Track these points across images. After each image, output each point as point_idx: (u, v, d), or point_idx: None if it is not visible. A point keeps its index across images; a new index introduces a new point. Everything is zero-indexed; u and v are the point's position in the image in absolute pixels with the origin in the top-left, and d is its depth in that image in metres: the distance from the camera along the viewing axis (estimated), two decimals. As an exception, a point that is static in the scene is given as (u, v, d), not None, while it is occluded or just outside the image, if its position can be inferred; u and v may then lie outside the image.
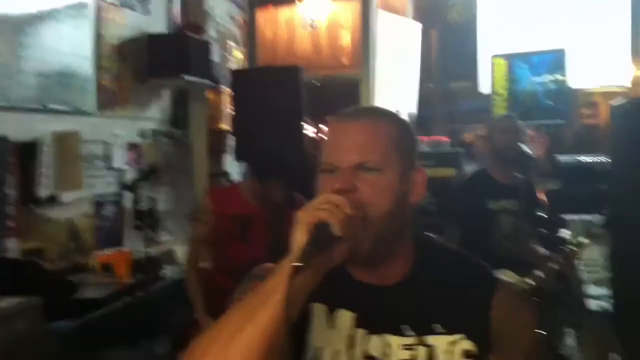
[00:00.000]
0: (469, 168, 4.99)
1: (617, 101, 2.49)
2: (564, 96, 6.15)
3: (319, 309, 1.21)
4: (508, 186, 3.51)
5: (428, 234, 1.34)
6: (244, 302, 1.06)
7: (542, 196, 3.46)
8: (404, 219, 1.21)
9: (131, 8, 4.44)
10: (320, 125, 5.53)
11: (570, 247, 3.23)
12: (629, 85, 6.37)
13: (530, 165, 3.36)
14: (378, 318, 1.20)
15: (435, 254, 1.28)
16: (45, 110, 3.57)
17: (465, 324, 1.20)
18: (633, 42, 6.14)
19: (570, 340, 3.94)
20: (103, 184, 4.12)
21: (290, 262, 1.03)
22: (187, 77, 4.52)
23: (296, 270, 1.02)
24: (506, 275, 3.31)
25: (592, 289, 3.12)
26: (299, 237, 1.04)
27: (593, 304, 3.17)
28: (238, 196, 3.14)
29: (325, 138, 1.25)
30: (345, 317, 1.21)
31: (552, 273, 3.20)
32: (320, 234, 1.05)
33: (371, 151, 1.17)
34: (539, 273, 3.21)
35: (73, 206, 3.82)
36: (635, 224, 2.30)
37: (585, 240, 3.19)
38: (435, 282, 1.23)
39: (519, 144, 3.46)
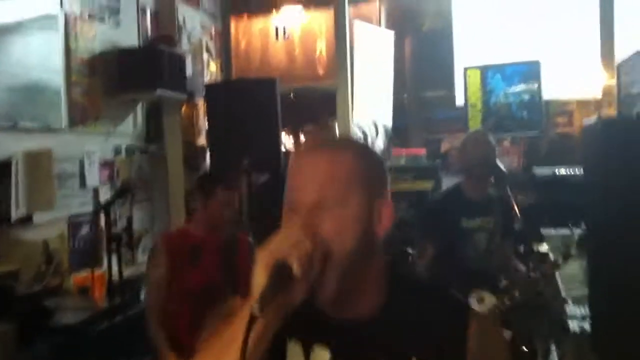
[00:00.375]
0: (447, 180, 4.98)
1: (588, 121, 2.48)
2: (538, 107, 6.15)
3: (293, 349, 1.19)
4: (482, 203, 3.46)
5: (402, 262, 1.29)
6: (206, 349, 1.08)
7: (517, 211, 3.40)
8: (371, 252, 1.19)
9: (101, 21, 4.32)
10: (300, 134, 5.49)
11: (548, 265, 3.20)
12: (600, 95, 6.45)
13: (504, 181, 3.31)
14: (354, 353, 1.17)
15: (409, 285, 1.27)
16: (15, 128, 3.44)
17: (441, 356, 1.18)
18: (602, 53, 6.20)
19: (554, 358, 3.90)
20: (77, 204, 3.99)
21: (250, 306, 1.01)
22: (160, 91, 4.41)
23: (256, 317, 1.00)
24: (484, 297, 3.27)
25: (572, 308, 3.08)
26: (258, 279, 1.03)
27: (572, 324, 3.13)
28: (187, 233, 3.22)
29: (288, 173, 1.21)
30: (322, 356, 1.19)
31: (531, 292, 3.16)
32: (279, 274, 1.03)
33: (331, 188, 1.14)
34: (517, 292, 3.18)
35: (47, 227, 3.70)
36: (609, 244, 2.28)
37: (562, 260, 3.15)
38: (410, 314, 1.20)
39: (492, 159, 3.41)
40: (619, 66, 5.75)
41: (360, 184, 1.15)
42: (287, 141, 7.23)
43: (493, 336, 1.28)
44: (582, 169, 2.52)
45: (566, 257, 3.22)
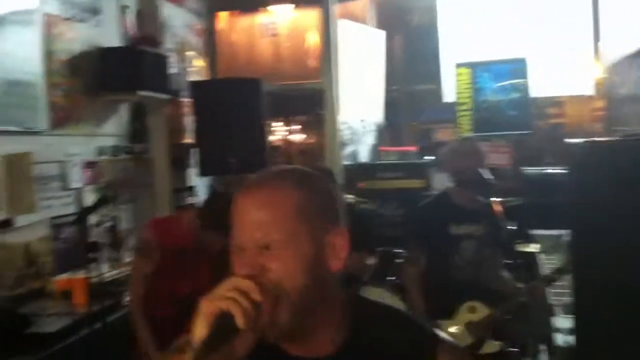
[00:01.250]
0: (438, 177, 4.96)
1: (571, 141, 2.47)
2: (527, 106, 6.14)
3: None
4: (470, 210, 3.44)
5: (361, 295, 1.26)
6: None
7: (502, 214, 3.39)
8: (325, 288, 1.14)
9: (82, 21, 4.26)
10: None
11: (539, 281, 3.19)
12: (593, 92, 6.45)
13: (491, 191, 3.30)
14: None
15: (371, 317, 1.21)
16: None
17: None
18: (595, 47, 6.21)
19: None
20: (60, 205, 3.95)
21: (189, 358, 0.98)
22: (142, 92, 4.37)
23: None
24: (475, 307, 3.26)
25: (559, 321, 3.06)
26: (198, 330, 1.00)
27: (558, 339, 3.12)
28: (181, 227, 3.08)
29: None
30: None
31: (519, 303, 3.15)
32: (221, 326, 0.99)
33: (273, 229, 1.09)
34: (505, 304, 3.17)
35: (29, 230, 3.66)
36: (595, 250, 2.26)
37: (556, 275, 3.13)
38: (373, 348, 1.16)
39: (480, 169, 3.40)
40: (610, 67, 5.74)
41: (305, 219, 1.11)
42: (279, 131, 7.23)
43: None
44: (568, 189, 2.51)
45: (560, 272, 3.21)
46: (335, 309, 1.17)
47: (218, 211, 2.85)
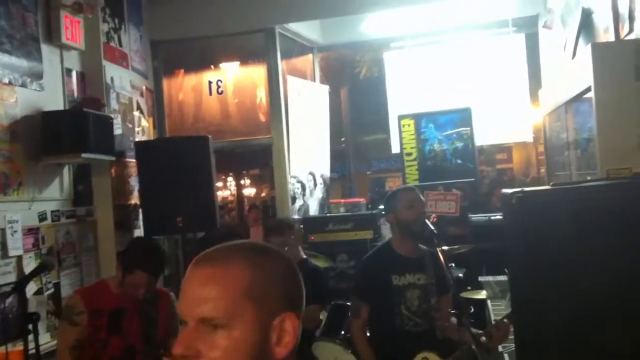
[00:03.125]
0: (387, 228, 4.98)
1: (504, 191, 2.54)
2: (472, 154, 6.28)
3: None
4: (413, 259, 3.47)
5: None
6: None
7: (447, 262, 3.41)
8: None
9: (23, 85, 4.23)
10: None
11: (497, 326, 3.19)
12: (531, 139, 6.66)
13: (434, 239, 3.34)
14: None
15: None
16: None
17: None
18: (532, 96, 6.41)
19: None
20: (-1, 274, 3.85)
21: None
22: (86, 155, 4.32)
23: None
24: (427, 357, 3.26)
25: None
26: None
27: None
28: (107, 291, 3.12)
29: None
30: None
31: (472, 353, 3.15)
32: None
33: (215, 306, 1.05)
34: (459, 354, 3.17)
35: (-34, 300, 3.55)
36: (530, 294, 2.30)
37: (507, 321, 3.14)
38: None
39: (423, 218, 3.45)
40: (547, 116, 5.92)
41: (251, 302, 1.07)
42: (230, 187, 7.22)
43: None
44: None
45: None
46: None
47: (135, 253, 3.04)
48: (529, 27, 6.49)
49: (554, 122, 5.73)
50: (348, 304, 4.30)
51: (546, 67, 6.07)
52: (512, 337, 2.76)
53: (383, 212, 5.49)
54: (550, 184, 2.96)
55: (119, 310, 3.07)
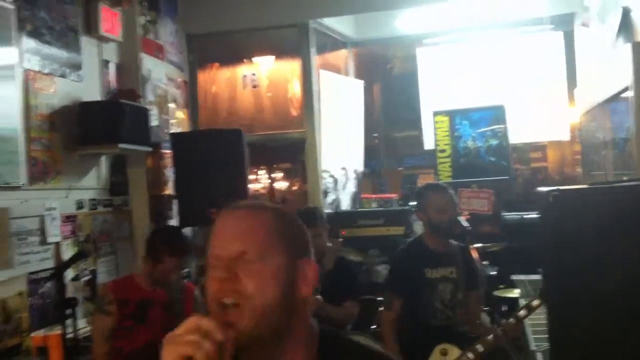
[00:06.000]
0: (418, 224, 4.98)
1: (540, 189, 2.52)
2: (506, 152, 6.23)
3: None
4: (444, 254, 3.50)
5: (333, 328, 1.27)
6: None
7: (479, 263, 3.42)
8: (293, 312, 1.18)
9: (63, 76, 4.32)
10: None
11: (513, 320, 3.19)
12: (567, 137, 6.57)
13: (465, 235, 3.36)
14: None
15: (343, 350, 1.23)
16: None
17: None
18: (569, 94, 6.34)
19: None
20: (38, 261, 3.93)
21: None
22: (122, 145, 4.40)
23: None
24: (447, 350, 3.27)
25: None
26: None
27: None
28: (135, 284, 3.26)
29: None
30: None
31: (495, 346, 3.15)
32: None
33: (250, 240, 1.15)
34: (480, 347, 3.17)
35: (5, 285, 3.64)
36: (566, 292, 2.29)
37: (524, 313, 3.14)
38: None
39: (454, 215, 3.47)
40: (583, 115, 5.85)
41: (280, 241, 1.17)
42: (261, 180, 7.28)
43: None
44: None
45: (529, 309, 3.21)
46: (301, 336, 1.19)
47: (159, 243, 3.20)
48: (566, 25, 6.40)
49: (590, 121, 5.66)
50: (378, 298, 4.32)
51: (582, 66, 5.99)
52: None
53: (414, 209, 5.51)
54: (587, 183, 2.94)
55: (145, 301, 3.19)
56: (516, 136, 6.42)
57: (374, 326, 4.35)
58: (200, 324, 1.04)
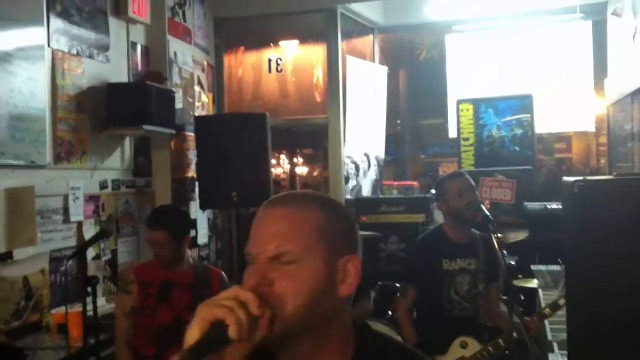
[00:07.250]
0: (439, 212, 4.95)
1: (565, 179, 2.47)
2: (530, 142, 6.16)
3: None
4: (464, 245, 3.46)
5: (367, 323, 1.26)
6: None
7: (501, 254, 3.36)
8: (331, 312, 1.14)
9: (90, 57, 4.35)
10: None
11: (536, 317, 3.16)
12: (593, 128, 6.48)
13: (488, 225, 3.29)
14: None
15: (377, 349, 1.21)
16: (-2, 165, 3.46)
17: None
18: (595, 85, 6.24)
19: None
20: (60, 239, 3.99)
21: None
22: (148, 127, 4.43)
23: None
24: (467, 342, 3.25)
25: (557, 357, 3.00)
26: (191, 333, 0.98)
27: None
28: (157, 267, 3.29)
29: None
30: None
31: (514, 340, 3.13)
32: (213, 333, 0.98)
33: (289, 241, 1.11)
34: (500, 341, 3.15)
35: (28, 262, 3.69)
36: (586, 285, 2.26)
37: (549, 311, 3.12)
38: None
39: (475, 204, 3.40)
40: (611, 106, 5.76)
41: (322, 240, 1.13)
42: (283, 164, 7.29)
43: None
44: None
45: (553, 307, 3.19)
46: (339, 335, 1.17)
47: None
48: (597, 14, 6.28)
49: (619, 112, 5.58)
50: (396, 284, 4.31)
51: (613, 56, 5.89)
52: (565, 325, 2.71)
53: (434, 199, 5.49)
54: (613, 173, 2.89)
55: (168, 282, 3.23)
56: (541, 126, 6.34)
57: (391, 312, 4.35)
58: (239, 294, 1.02)
